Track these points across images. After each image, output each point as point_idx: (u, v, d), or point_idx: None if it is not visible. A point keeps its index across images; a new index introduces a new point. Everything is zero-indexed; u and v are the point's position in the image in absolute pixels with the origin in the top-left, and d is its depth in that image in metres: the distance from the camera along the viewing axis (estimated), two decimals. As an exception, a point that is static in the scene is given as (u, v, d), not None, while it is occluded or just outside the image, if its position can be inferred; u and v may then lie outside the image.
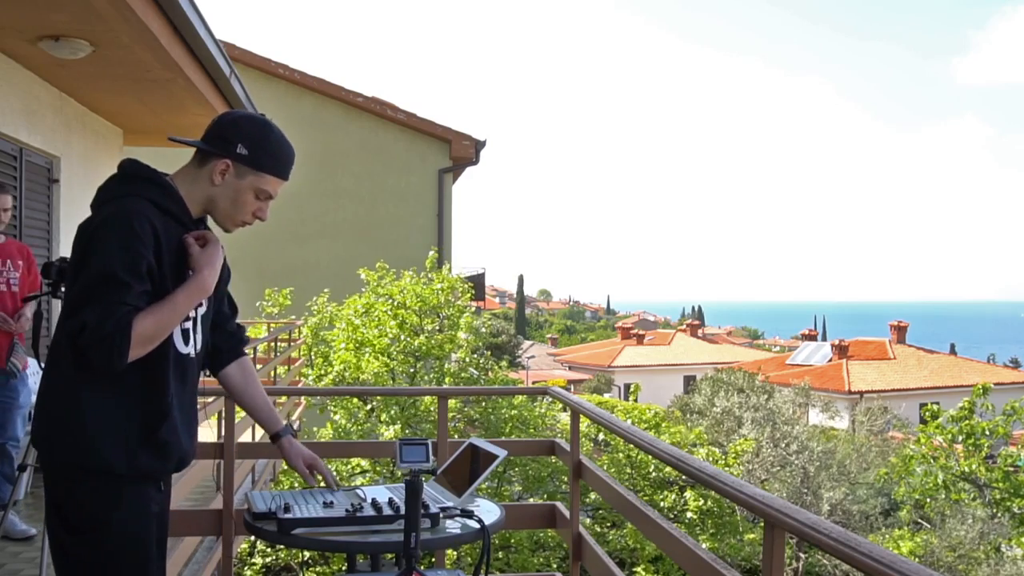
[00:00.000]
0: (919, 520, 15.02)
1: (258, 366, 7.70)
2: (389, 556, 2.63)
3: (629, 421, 14.03)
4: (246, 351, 2.52)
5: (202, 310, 2.20)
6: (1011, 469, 13.62)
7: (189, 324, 2.14)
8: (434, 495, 2.53)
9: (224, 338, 2.40)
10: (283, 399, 9.26)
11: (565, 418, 10.82)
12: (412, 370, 10.35)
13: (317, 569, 8.96)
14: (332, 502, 2.40)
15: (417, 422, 9.49)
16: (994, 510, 13.52)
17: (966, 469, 13.84)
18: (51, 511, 2.03)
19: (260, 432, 7.22)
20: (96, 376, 1.96)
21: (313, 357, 10.81)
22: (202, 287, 2.06)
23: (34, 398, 4.63)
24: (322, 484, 2.54)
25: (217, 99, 6.51)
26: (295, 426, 8.95)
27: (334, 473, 2.41)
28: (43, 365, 4.50)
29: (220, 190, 2.14)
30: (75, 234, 2.05)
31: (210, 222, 2.27)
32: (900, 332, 36.99)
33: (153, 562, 2.08)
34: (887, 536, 13.18)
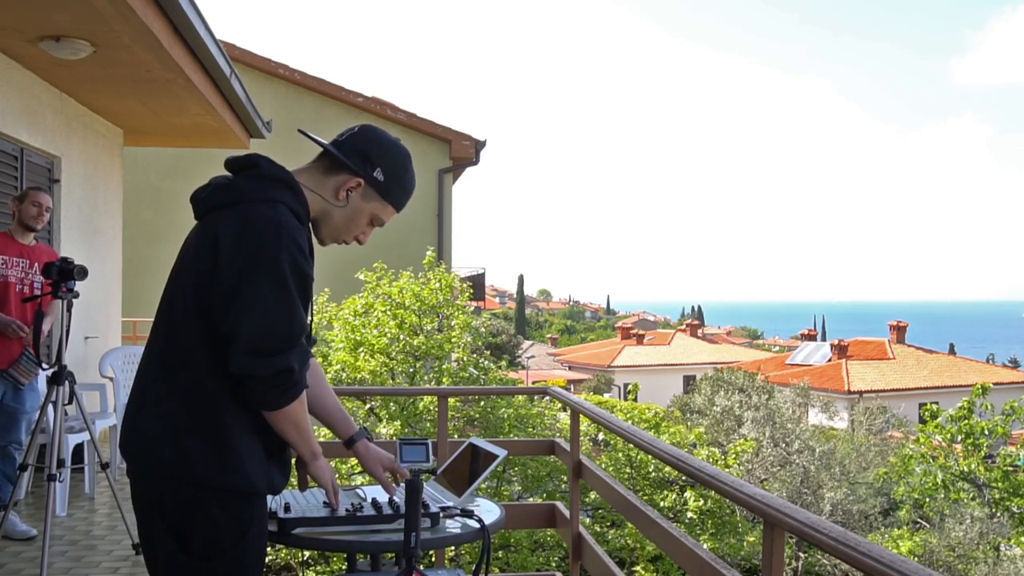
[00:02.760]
0: (918, 520, 15.02)
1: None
2: (389, 556, 2.64)
3: (629, 421, 14.03)
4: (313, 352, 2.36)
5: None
6: (1010, 469, 13.64)
7: None
8: (434, 495, 2.53)
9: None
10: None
11: (565, 418, 10.83)
12: (412, 370, 10.35)
13: (317, 569, 8.95)
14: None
15: (416, 421, 9.49)
16: (993, 510, 13.53)
17: (965, 469, 13.85)
18: (168, 539, 1.92)
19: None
20: (236, 396, 1.91)
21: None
22: (316, 470, 2.14)
23: (41, 400, 4.65)
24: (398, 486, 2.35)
25: (217, 99, 6.52)
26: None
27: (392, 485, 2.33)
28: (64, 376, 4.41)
29: (340, 205, 2.06)
30: (207, 234, 1.90)
31: None
32: (899, 332, 36.99)
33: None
34: (886, 536, 13.18)
